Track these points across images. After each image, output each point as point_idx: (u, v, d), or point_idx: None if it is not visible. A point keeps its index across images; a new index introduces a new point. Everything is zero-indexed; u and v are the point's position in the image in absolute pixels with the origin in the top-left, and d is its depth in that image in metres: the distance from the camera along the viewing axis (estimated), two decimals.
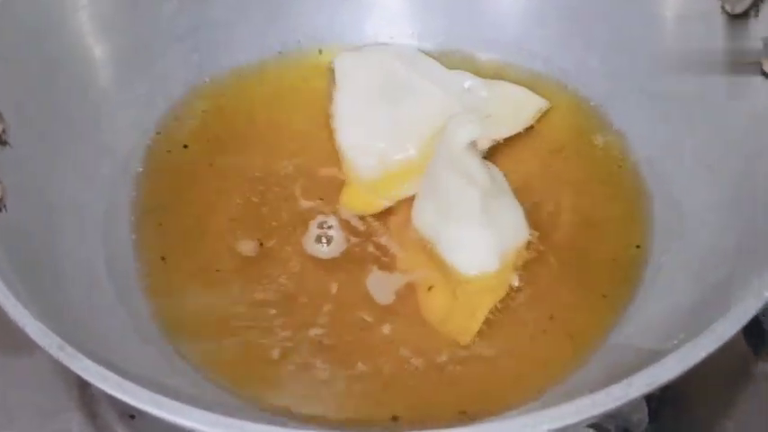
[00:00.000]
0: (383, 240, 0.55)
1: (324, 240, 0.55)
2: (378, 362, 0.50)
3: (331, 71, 0.62)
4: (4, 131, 0.50)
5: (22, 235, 0.48)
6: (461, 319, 0.51)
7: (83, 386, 0.56)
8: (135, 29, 0.59)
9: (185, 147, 0.58)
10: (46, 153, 0.53)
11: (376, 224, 0.56)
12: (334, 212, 0.57)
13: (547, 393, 0.48)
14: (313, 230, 0.56)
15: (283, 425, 0.46)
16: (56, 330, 0.41)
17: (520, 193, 0.56)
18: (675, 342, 0.43)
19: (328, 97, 0.62)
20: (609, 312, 0.51)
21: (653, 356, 0.43)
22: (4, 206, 0.47)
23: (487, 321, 0.51)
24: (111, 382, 0.39)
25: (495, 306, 0.52)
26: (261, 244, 0.55)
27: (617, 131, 0.59)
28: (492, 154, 0.59)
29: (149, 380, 0.41)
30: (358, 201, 0.57)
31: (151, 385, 0.39)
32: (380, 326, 0.52)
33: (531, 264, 0.54)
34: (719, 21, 0.54)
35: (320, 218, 0.56)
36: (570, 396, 0.45)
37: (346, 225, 0.56)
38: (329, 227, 0.56)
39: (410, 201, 0.56)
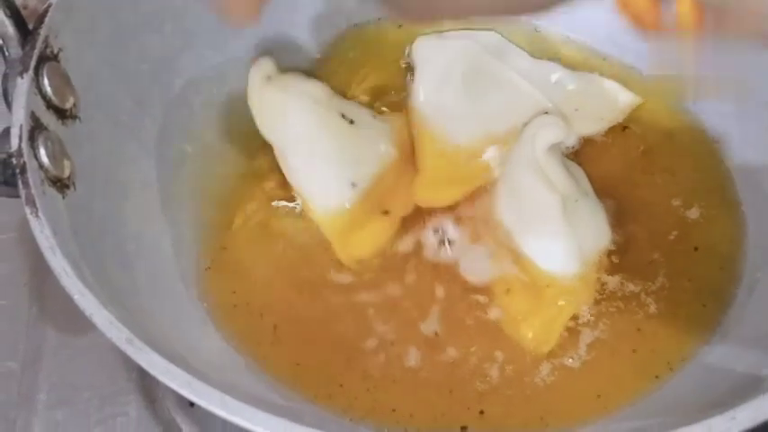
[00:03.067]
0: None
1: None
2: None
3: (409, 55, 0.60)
4: (75, 105, 0.48)
5: (90, 215, 0.47)
6: (541, 327, 0.49)
7: (142, 369, 0.55)
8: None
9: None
10: (114, 129, 0.51)
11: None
12: None
13: (628, 410, 0.46)
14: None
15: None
16: (122, 319, 0.40)
17: (604, 193, 0.53)
18: None
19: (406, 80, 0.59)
20: (699, 329, 0.48)
21: (748, 381, 0.40)
22: (73, 184, 0.46)
23: (568, 330, 0.49)
24: (180, 379, 0.38)
25: (577, 315, 0.49)
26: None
27: (712, 136, 0.56)
28: (578, 150, 0.56)
29: (213, 375, 0.40)
30: (431, 191, 0.55)
31: (218, 383, 0.38)
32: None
33: (615, 271, 0.51)
34: None
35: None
36: (656, 416, 0.44)
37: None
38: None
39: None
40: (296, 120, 0.52)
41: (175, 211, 0.53)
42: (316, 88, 0.53)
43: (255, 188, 0.55)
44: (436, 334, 0.50)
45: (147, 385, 0.55)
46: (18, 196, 0.43)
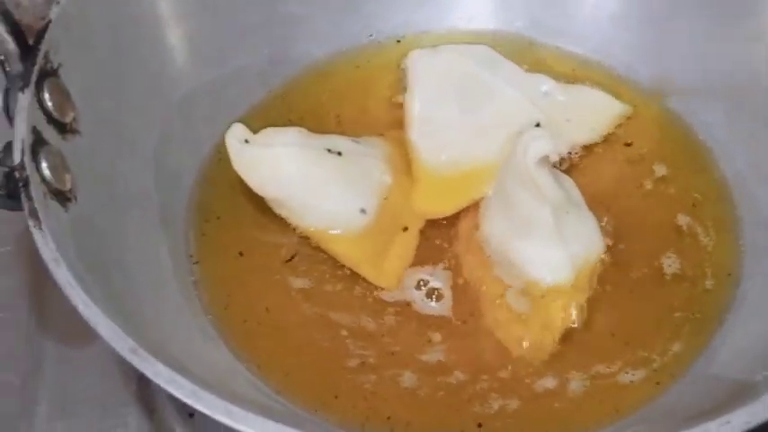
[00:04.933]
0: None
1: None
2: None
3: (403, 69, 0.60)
4: (75, 119, 0.49)
5: (91, 227, 0.47)
6: (535, 337, 0.50)
7: (142, 380, 0.56)
8: (209, 18, 0.58)
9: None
10: (114, 142, 0.52)
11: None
12: None
13: (624, 421, 0.46)
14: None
15: None
16: (126, 329, 0.40)
17: (596, 203, 0.54)
18: (766, 374, 0.42)
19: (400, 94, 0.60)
20: (692, 337, 0.49)
21: (741, 389, 0.41)
22: (75, 197, 0.46)
23: (564, 340, 0.49)
24: (185, 389, 0.38)
25: (572, 324, 0.50)
26: None
27: (703, 145, 0.57)
28: (568, 161, 0.57)
29: (214, 384, 0.40)
30: (429, 203, 0.56)
31: (222, 393, 0.38)
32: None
33: (608, 282, 0.52)
34: None
35: None
36: (652, 426, 0.44)
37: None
38: None
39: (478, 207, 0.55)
40: (287, 168, 0.53)
41: (173, 223, 0.54)
42: (294, 133, 0.54)
43: (250, 200, 0.56)
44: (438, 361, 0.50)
45: (147, 396, 0.55)
46: (21, 209, 0.43)
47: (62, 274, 0.41)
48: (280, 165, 0.53)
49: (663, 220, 0.54)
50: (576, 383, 0.48)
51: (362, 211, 0.54)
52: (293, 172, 0.53)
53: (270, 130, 0.54)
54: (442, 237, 0.55)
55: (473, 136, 0.57)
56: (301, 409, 0.47)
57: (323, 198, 0.53)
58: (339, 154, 0.54)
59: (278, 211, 0.54)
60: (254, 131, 0.54)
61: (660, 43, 0.60)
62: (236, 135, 0.53)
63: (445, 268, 0.53)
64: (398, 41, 0.63)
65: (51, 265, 0.41)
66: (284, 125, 0.56)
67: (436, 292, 0.52)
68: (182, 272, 0.52)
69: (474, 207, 0.55)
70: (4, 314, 0.59)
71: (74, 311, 0.58)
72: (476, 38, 0.63)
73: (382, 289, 0.52)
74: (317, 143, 0.54)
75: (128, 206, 0.51)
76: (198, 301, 0.51)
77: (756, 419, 0.35)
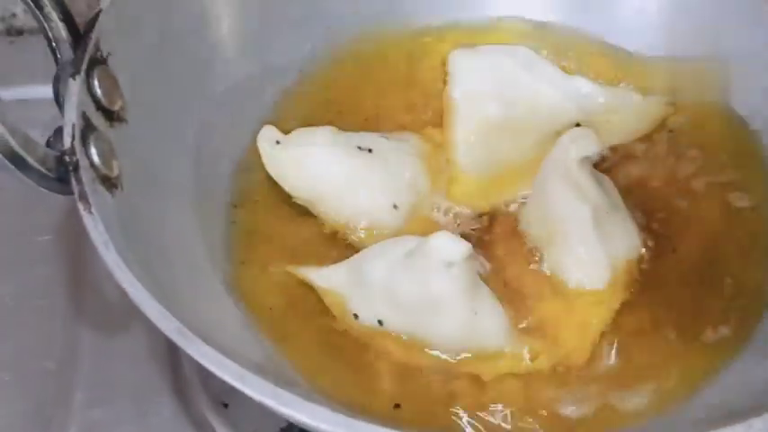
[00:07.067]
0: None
1: None
2: None
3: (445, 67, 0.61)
4: (122, 108, 0.49)
5: (135, 214, 0.47)
6: (573, 336, 0.50)
7: (176, 369, 0.56)
8: (255, 10, 0.58)
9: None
10: (157, 130, 0.52)
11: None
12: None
13: (655, 420, 0.46)
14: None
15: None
16: (171, 311, 0.40)
17: (635, 202, 0.54)
18: None
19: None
20: (729, 336, 0.49)
21: None
22: (121, 184, 0.47)
23: (601, 341, 0.50)
24: (232, 372, 0.38)
25: (608, 324, 0.50)
26: None
27: (748, 143, 0.57)
28: (608, 160, 0.57)
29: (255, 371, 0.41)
30: (465, 195, 0.56)
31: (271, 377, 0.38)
32: None
33: (647, 280, 0.51)
34: None
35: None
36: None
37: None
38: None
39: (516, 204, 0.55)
40: (319, 168, 0.54)
41: (211, 212, 0.54)
42: (325, 133, 0.55)
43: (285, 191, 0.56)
44: None
45: (181, 385, 0.56)
46: (71, 193, 0.44)
47: (111, 257, 0.41)
48: (310, 165, 0.54)
49: (702, 217, 0.54)
50: (603, 381, 0.48)
51: (395, 206, 0.54)
52: (323, 171, 0.54)
53: (301, 130, 0.55)
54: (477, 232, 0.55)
55: (512, 136, 0.57)
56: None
57: (355, 195, 0.54)
58: (370, 151, 0.55)
59: (314, 211, 0.55)
60: (294, 124, 0.55)
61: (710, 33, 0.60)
62: (267, 137, 0.55)
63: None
64: (442, 37, 0.63)
65: (101, 248, 0.41)
66: (323, 119, 0.57)
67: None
68: (219, 261, 0.52)
69: (511, 205, 0.55)
70: (42, 302, 0.59)
71: (111, 300, 0.59)
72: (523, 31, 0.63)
73: None
74: (347, 141, 0.55)
75: (168, 194, 0.51)
76: (235, 290, 0.52)
77: None
